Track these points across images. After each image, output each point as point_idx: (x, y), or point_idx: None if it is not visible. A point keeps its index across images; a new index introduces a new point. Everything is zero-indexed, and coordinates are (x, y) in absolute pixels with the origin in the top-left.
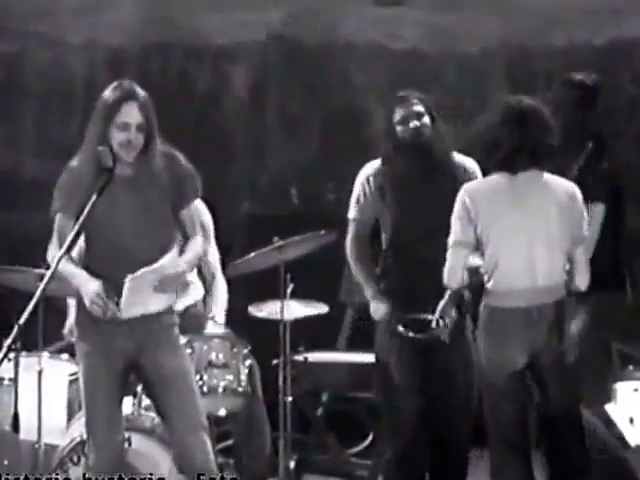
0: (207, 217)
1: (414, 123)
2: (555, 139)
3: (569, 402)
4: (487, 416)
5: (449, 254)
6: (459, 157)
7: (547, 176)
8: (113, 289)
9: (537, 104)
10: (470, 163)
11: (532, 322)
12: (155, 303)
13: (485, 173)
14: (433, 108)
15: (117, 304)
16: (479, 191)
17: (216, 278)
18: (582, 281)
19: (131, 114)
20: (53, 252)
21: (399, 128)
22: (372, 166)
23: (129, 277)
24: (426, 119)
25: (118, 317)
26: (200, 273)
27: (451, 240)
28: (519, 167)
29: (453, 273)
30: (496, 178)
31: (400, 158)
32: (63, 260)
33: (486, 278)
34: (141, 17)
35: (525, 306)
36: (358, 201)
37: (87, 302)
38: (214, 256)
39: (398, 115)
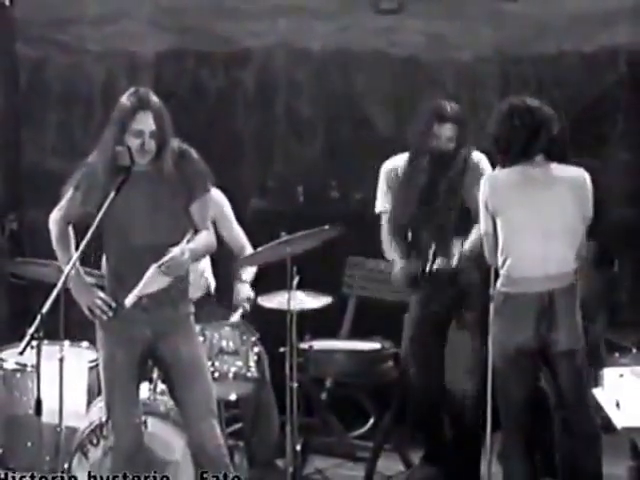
0: (227, 206)
1: (445, 145)
2: (558, 130)
3: (579, 386)
4: (497, 398)
5: (484, 242)
6: (475, 156)
7: (557, 165)
8: (123, 284)
9: (538, 101)
10: (483, 162)
11: (544, 307)
12: (155, 284)
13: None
14: (463, 121)
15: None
16: (497, 181)
17: (245, 248)
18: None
19: (145, 122)
20: (54, 215)
21: (431, 140)
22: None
23: (154, 265)
24: (453, 142)
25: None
26: (212, 264)
27: (482, 229)
28: (533, 157)
29: (490, 257)
30: (514, 169)
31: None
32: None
33: (500, 265)
34: (156, 26)
35: (537, 292)
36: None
37: (85, 309)
38: (240, 234)
39: (436, 131)
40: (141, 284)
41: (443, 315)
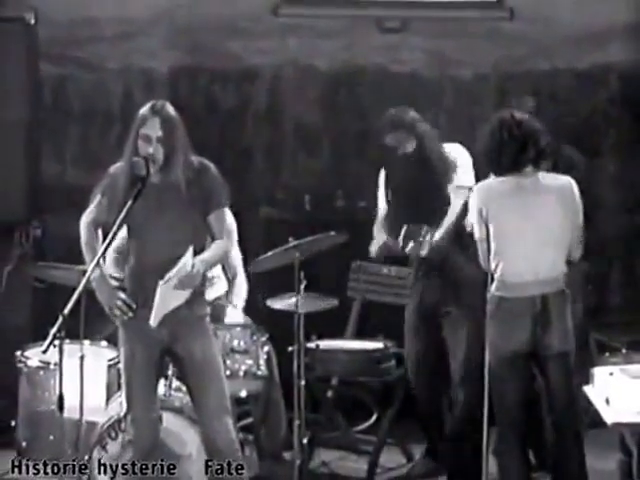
0: (232, 222)
1: (403, 149)
2: (546, 142)
3: (569, 387)
4: (493, 397)
5: (478, 248)
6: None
7: (546, 174)
8: (142, 286)
9: (526, 114)
10: (455, 151)
11: (538, 311)
12: (175, 299)
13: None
14: (416, 124)
15: (143, 306)
16: (489, 190)
17: (238, 275)
18: (576, 253)
19: (152, 127)
20: (84, 219)
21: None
22: None
23: (160, 283)
24: (411, 144)
25: (150, 324)
26: (224, 270)
27: (476, 236)
28: (523, 168)
29: (484, 263)
30: (506, 179)
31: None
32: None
33: (493, 269)
34: (172, 44)
35: (530, 296)
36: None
37: (107, 309)
38: (237, 257)
39: (390, 140)
40: (155, 304)
41: (435, 307)
